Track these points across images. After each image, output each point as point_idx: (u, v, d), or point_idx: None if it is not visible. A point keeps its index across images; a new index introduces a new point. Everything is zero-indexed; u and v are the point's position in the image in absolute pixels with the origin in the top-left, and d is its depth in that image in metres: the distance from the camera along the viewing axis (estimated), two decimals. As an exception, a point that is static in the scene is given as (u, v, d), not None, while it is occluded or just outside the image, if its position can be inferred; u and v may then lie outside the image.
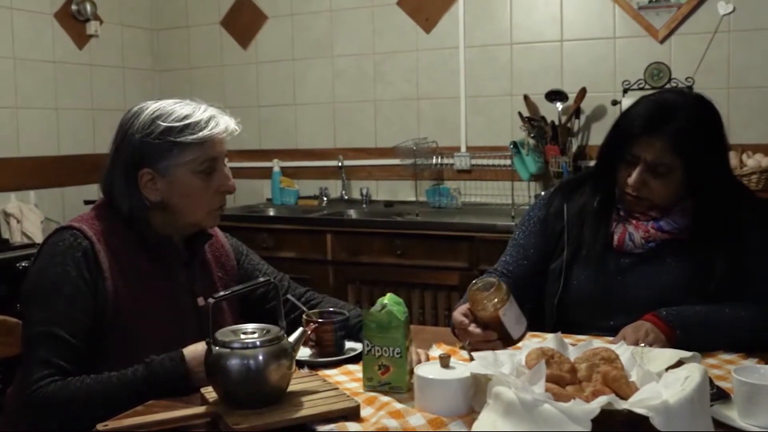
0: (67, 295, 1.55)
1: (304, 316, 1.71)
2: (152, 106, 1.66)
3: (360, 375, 1.51)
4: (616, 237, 1.90)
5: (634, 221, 1.89)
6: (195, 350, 1.51)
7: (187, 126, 1.62)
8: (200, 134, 1.62)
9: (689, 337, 1.65)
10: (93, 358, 1.56)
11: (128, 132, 1.65)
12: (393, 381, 1.46)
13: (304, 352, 1.72)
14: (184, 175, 1.64)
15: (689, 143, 1.78)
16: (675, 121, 1.79)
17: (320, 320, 1.70)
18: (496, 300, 1.61)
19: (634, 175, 1.81)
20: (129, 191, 1.65)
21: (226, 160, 1.70)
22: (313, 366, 1.63)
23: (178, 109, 1.65)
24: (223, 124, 1.66)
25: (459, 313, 1.70)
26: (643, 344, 1.59)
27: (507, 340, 1.64)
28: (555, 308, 1.94)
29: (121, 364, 1.52)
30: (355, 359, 1.64)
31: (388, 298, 1.52)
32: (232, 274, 1.86)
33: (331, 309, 1.78)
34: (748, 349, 1.68)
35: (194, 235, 1.75)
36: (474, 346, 1.62)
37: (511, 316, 1.63)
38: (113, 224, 1.66)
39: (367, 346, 1.46)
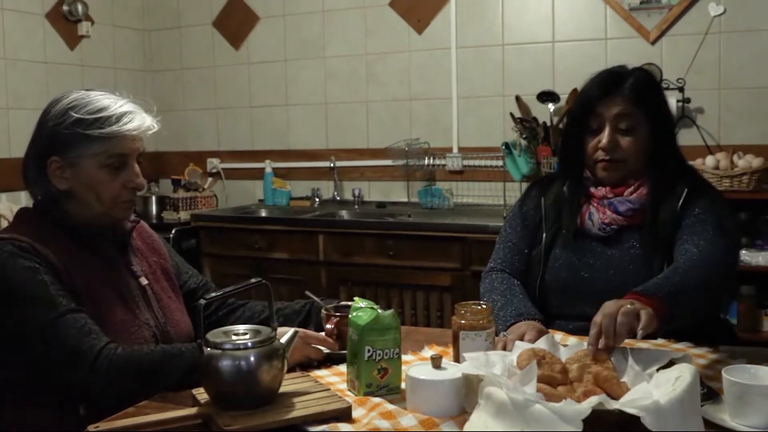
0: (45, 282, 1.52)
1: (323, 311, 1.75)
2: (72, 96, 1.66)
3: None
4: (579, 217, 1.96)
5: (595, 203, 1.95)
6: None
7: (97, 119, 1.61)
8: (109, 129, 1.61)
9: (676, 303, 1.57)
10: None
11: (44, 118, 1.66)
12: (391, 383, 1.45)
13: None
14: (90, 167, 1.62)
15: (646, 94, 1.92)
16: (629, 78, 1.93)
17: (338, 314, 1.72)
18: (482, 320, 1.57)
19: (606, 135, 1.91)
20: (39, 178, 1.65)
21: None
22: (336, 359, 1.66)
23: (95, 101, 1.64)
24: (137, 121, 1.65)
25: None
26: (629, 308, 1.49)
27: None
28: (536, 295, 1.98)
29: None
30: None
31: (359, 301, 1.53)
32: (167, 258, 1.88)
33: (344, 303, 1.79)
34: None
35: (119, 223, 1.73)
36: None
37: (468, 344, 1.55)
38: (37, 226, 1.63)
39: (368, 351, 1.44)
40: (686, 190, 1.89)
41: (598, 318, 1.45)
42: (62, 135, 1.61)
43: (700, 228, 1.81)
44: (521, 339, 1.65)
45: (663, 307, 1.52)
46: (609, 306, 1.49)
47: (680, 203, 1.88)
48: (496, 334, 1.67)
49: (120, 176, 1.65)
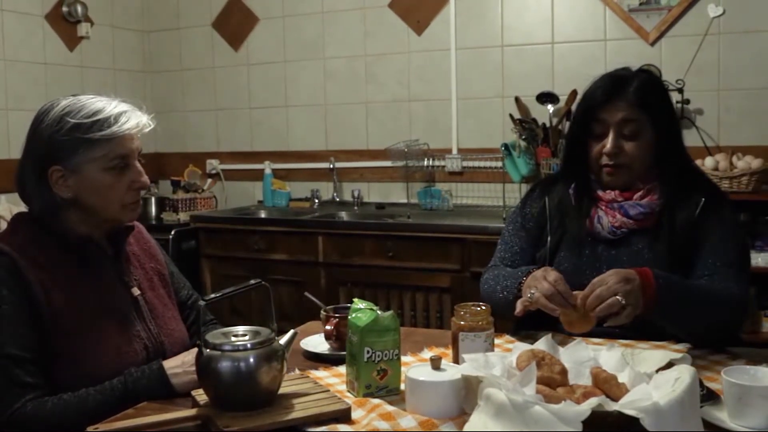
0: (5, 315, 1.49)
1: (322, 312, 1.76)
2: (63, 102, 1.63)
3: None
4: (587, 221, 1.95)
5: (603, 206, 1.94)
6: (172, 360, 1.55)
7: (95, 122, 1.59)
8: (109, 131, 1.59)
9: (673, 296, 1.68)
10: (49, 368, 1.52)
11: (38, 128, 1.62)
12: (390, 384, 1.46)
13: (323, 347, 1.75)
14: (94, 171, 1.60)
15: (650, 99, 1.90)
16: (633, 82, 1.91)
17: (337, 315, 1.73)
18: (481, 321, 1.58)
19: (610, 141, 1.90)
20: (40, 189, 1.62)
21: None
22: (334, 360, 1.66)
23: (89, 104, 1.62)
24: (134, 120, 1.63)
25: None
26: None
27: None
28: None
29: (73, 368, 1.51)
30: None
31: (359, 302, 1.53)
32: (164, 264, 1.86)
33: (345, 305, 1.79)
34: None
35: (116, 230, 1.72)
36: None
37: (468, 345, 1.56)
38: (30, 235, 1.61)
39: (368, 353, 1.44)
40: (703, 199, 1.88)
41: (599, 285, 1.64)
42: (61, 142, 1.59)
43: (721, 264, 1.81)
44: (544, 282, 1.71)
45: (659, 290, 1.65)
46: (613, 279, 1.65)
47: (697, 212, 1.87)
48: (514, 297, 1.79)
49: (124, 177, 1.64)
